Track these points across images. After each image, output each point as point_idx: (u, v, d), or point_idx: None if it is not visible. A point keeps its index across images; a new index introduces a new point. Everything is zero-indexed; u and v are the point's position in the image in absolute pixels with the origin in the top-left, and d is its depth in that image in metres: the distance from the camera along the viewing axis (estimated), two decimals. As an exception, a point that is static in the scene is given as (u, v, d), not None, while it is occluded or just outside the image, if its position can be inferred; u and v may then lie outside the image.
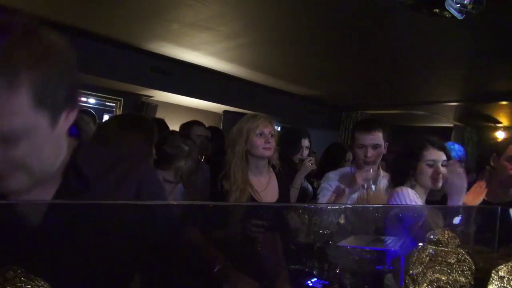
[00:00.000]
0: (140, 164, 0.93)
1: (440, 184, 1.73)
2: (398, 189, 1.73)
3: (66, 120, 0.72)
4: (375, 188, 2.11)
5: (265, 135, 1.89)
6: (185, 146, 1.79)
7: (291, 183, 2.50)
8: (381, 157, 2.17)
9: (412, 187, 1.75)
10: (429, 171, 1.73)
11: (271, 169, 2.01)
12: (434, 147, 1.76)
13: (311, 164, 2.65)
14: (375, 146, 2.09)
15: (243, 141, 1.88)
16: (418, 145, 1.79)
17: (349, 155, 2.96)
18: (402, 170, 1.81)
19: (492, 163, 1.95)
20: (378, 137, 2.10)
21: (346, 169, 2.35)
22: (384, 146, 2.14)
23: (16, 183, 0.68)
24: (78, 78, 0.70)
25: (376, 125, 2.13)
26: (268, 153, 1.90)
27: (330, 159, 3.13)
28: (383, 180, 2.16)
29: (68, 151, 0.78)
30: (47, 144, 0.70)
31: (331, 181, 2.21)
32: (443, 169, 1.72)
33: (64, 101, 0.68)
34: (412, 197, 1.68)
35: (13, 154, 0.63)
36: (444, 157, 1.75)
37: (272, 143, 1.92)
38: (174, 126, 3.50)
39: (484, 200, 1.91)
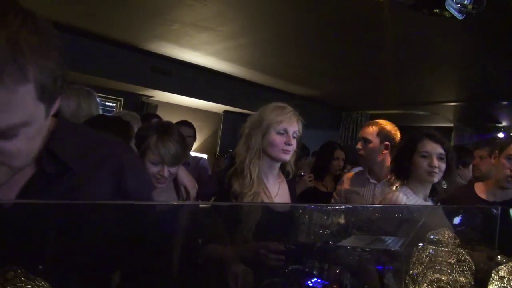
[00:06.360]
0: (119, 146, 0.91)
1: (435, 179, 1.68)
2: (392, 195, 1.72)
3: (54, 108, 0.69)
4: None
5: (288, 134, 1.57)
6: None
7: None
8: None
9: (412, 180, 1.75)
10: (424, 163, 1.69)
11: (281, 173, 1.72)
12: (430, 139, 1.72)
13: (310, 181, 2.79)
14: (365, 140, 2.17)
15: (261, 135, 1.57)
16: (413, 137, 1.79)
17: (338, 153, 3.00)
18: (401, 164, 1.80)
19: (492, 160, 1.96)
20: (369, 131, 2.17)
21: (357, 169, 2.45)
22: (381, 143, 2.15)
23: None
24: (66, 66, 0.66)
25: (372, 122, 2.23)
26: (285, 156, 1.59)
27: (321, 158, 3.15)
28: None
29: (45, 136, 0.74)
30: (39, 135, 0.68)
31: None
32: (438, 162, 1.67)
33: (59, 90, 0.66)
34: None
35: (8, 147, 0.61)
36: (440, 150, 1.71)
37: (294, 145, 1.60)
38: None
39: (480, 198, 1.91)
